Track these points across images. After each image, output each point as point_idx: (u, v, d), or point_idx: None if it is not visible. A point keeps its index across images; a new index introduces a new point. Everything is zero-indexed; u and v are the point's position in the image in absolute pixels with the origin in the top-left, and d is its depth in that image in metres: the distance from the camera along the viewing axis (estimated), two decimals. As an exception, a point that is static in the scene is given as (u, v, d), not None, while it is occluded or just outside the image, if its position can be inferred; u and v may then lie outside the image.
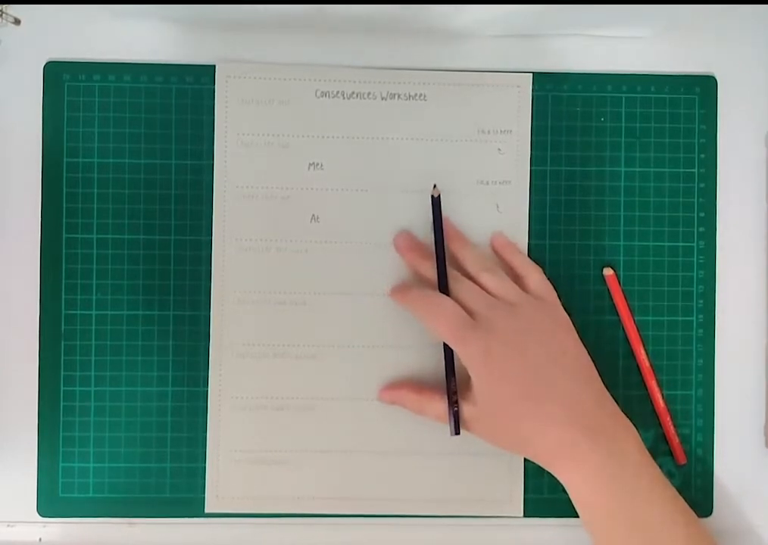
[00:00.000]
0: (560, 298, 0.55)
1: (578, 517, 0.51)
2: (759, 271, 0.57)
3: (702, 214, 0.57)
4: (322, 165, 0.56)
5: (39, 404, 0.55)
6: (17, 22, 0.55)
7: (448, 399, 0.52)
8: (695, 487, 0.56)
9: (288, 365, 0.55)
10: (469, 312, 0.51)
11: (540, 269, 0.54)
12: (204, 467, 0.55)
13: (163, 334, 0.55)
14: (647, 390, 0.56)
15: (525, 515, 0.56)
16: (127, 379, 0.55)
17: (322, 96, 0.56)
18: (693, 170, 0.57)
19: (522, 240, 0.56)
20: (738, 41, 0.57)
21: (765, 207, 0.57)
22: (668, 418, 0.56)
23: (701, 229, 0.57)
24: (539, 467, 0.51)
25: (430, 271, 0.53)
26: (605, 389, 0.52)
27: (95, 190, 0.55)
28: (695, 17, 0.57)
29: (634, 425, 0.51)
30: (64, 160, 0.55)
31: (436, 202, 0.54)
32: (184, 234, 0.55)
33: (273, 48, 0.56)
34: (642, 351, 0.56)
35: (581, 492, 0.50)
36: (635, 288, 0.56)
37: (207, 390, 0.55)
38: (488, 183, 0.56)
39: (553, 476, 0.51)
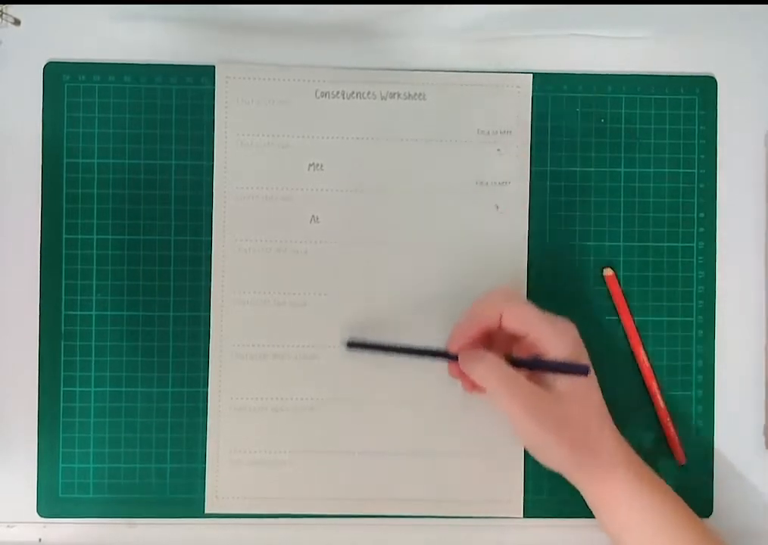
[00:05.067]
0: (560, 298, 0.55)
1: (578, 517, 0.51)
2: (759, 271, 0.57)
3: (702, 215, 0.57)
4: (322, 165, 0.56)
5: (39, 405, 0.55)
6: (17, 22, 0.55)
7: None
8: (695, 487, 0.56)
9: (288, 365, 0.55)
10: None
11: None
12: (204, 467, 0.55)
13: (163, 335, 0.55)
14: (647, 390, 0.56)
15: (525, 516, 0.56)
16: (127, 380, 0.55)
17: (322, 96, 0.56)
18: (693, 171, 0.57)
19: (522, 240, 0.56)
20: (738, 41, 0.57)
21: (765, 207, 0.57)
22: (668, 419, 0.56)
23: (701, 230, 0.57)
24: (539, 467, 0.51)
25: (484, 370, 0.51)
26: None
27: (95, 190, 0.55)
28: (695, 17, 0.57)
29: (634, 425, 0.52)
30: (64, 160, 0.55)
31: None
32: (184, 234, 0.55)
33: (273, 48, 0.56)
34: (642, 352, 0.56)
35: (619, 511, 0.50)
36: (635, 288, 0.56)
37: (207, 391, 0.55)
38: (487, 184, 0.56)
39: (553, 477, 0.51)
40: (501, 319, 0.51)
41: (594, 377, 0.51)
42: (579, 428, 0.49)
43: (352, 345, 0.54)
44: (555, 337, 0.50)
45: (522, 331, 0.50)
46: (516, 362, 0.51)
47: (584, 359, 0.51)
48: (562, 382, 0.50)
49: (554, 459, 0.50)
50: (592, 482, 0.50)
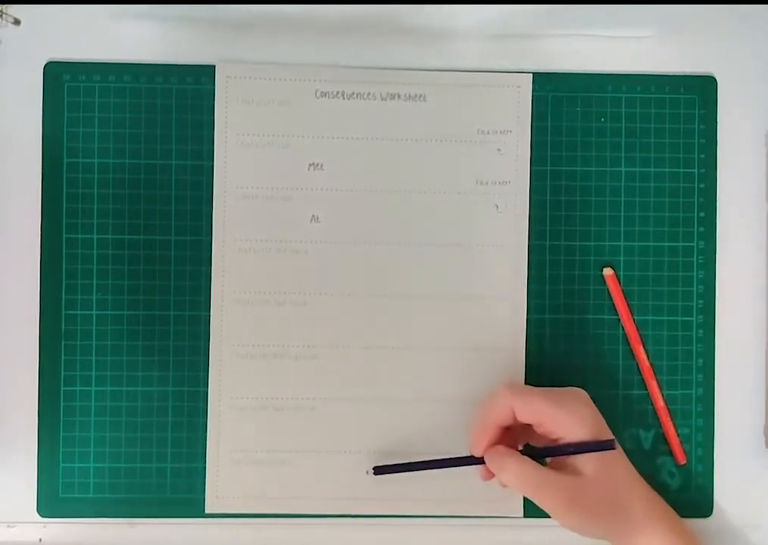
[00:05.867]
0: (560, 298, 0.55)
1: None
2: (759, 271, 0.57)
3: (702, 214, 0.57)
4: (322, 165, 0.56)
5: (39, 404, 0.55)
6: (17, 22, 0.55)
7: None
8: (695, 487, 0.56)
9: (288, 365, 0.55)
10: None
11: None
12: (204, 467, 0.55)
13: (163, 335, 0.55)
14: (647, 390, 0.56)
15: (525, 515, 0.56)
16: (127, 379, 0.55)
17: (322, 96, 0.56)
18: (693, 170, 0.57)
19: (523, 240, 0.56)
20: (738, 41, 0.57)
21: (765, 207, 0.57)
22: (668, 418, 0.56)
23: (701, 229, 0.57)
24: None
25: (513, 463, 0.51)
26: None
27: (95, 190, 0.55)
28: (695, 17, 0.57)
29: (634, 425, 0.51)
30: (64, 160, 0.55)
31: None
32: (184, 234, 0.55)
33: (273, 48, 0.56)
34: (642, 351, 0.56)
35: None
36: (635, 288, 0.56)
37: (207, 391, 0.55)
38: (487, 183, 0.56)
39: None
40: (514, 413, 0.50)
41: (619, 446, 0.51)
42: (612, 499, 0.50)
43: (379, 470, 0.54)
44: (570, 420, 0.50)
45: (537, 422, 0.50)
46: (540, 453, 0.51)
47: (604, 430, 0.51)
48: (589, 463, 0.49)
49: (589, 532, 0.50)
50: (623, 540, 0.50)
